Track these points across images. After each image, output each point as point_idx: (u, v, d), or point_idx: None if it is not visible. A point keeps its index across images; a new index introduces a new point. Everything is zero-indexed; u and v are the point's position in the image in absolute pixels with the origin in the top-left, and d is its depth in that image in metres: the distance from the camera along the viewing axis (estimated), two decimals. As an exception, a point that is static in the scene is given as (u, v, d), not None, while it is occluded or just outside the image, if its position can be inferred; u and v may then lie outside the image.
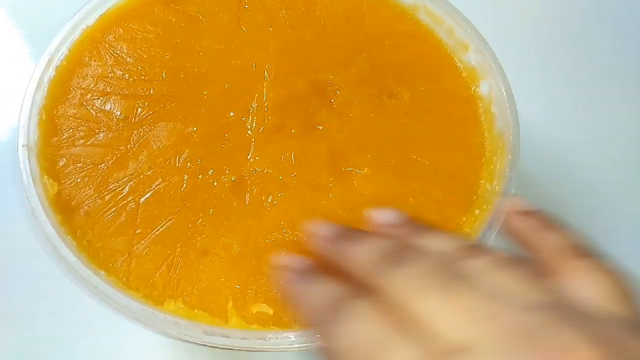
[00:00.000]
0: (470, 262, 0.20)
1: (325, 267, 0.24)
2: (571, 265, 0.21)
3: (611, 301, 0.19)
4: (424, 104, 0.34)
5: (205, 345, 0.26)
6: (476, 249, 0.21)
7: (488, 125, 0.34)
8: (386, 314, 0.18)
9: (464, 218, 0.31)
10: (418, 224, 0.25)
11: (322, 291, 0.22)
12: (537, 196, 0.40)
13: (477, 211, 0.31)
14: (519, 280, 0.19)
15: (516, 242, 0.25)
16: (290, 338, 0.26)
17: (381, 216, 0.26)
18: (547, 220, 0.24)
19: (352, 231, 0.25)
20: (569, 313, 0.18)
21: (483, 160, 0.33)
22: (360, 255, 0.22)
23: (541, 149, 0.42)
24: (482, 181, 0.32)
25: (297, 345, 0.26)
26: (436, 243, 0.22)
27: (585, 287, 0.20)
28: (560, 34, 0.48)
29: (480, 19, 0.36)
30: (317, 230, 0.26)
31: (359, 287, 0.21)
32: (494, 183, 0.31)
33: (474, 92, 0.35)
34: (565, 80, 0.45)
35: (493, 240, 0.29)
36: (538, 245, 0.23)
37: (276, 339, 0.25)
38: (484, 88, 0.35)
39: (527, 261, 0.21)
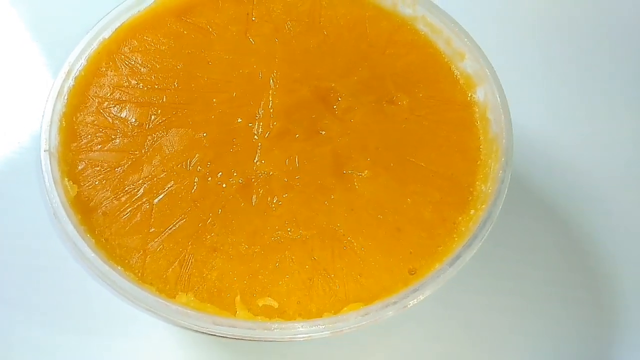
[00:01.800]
0: None
1: None
2: None
3: None
4: (422, 110, 0.36)
5: (214, 335, 0.27)
6: None
7: (484, 130, 0.35)
8: None
9: (460, 218, 0.32)
10: None
11: None
12: (532, 198, 0.42)
13: (472, 211, 0.32)
14: None
15: None
16: (294, 329, 0.27)
17: None
18: None
19: None
20: None
21: (479, 163, 0.34)
22: None
23: (536, 152, 0.43)
24: (477, 183, 0.33)
25: (300, 336, 0.27)
26: None
27: None
28: (555, 42, 0.50)
29: (477, 28, 0.38)
30: None
31: None
32: (489, 184, 0.33)
33: (471, 99, 0.37)
34: (559, 86, 0.47)
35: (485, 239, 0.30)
36: None
37: (281, 329, 0.27)
38: (479, 94, 0.36)
39: None
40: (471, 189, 0.33)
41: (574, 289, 0.39)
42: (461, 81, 0.38)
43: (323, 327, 0.27)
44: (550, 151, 0.43)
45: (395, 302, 0.28)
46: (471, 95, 0.37)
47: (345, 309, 0.28)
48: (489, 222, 0.30)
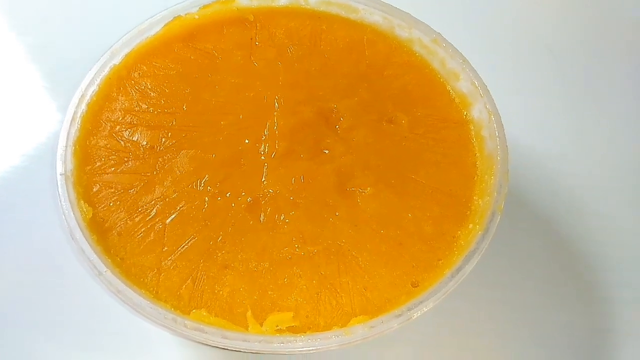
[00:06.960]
0: None
1: None
2: None
3: None
4: (420, 128, 0.38)
5: (227, 349, 0.29)
6: None
7: (479, 147, 0.37)
8: None
9: (459, 232, 0.34)
10: None
11: None
12: (528, 212, 0.43)
13: (470, 225, 0.34)
14: None
15: None
16: (304, 342, 0.28)
17: None
18: None
19: None
20: None
21: (475, 178, 0.36)
22: None
23: (530, 167, 0.45)
24: (475, 197, 0.35)
25: (310, 349, 0.28)
26: None
27: None
28: (548, 60, 0.52)
29: (471, 49, 0.40)
30: None
31: None
32: (486, 199, 0.34)
33: (466, 117, 0.38)
34: (552, 101, 0.49)
35: (484, 253, 0.32)
36: None
37: (291, 342, 0.28)
38: (474, 113, 0.38)
39: None
40: (469, 204, 0.35)
41: (567, 298, 0.41)
42: (456, 100, 0.39)
43: (331, 340, 0.28)
44: (544, 165, 0.45)
45: (399, 315, 0.29)
46: (466, 114, 0.39)
47: (353, 321, 0.30)
48: (487, 237, 0.31)
